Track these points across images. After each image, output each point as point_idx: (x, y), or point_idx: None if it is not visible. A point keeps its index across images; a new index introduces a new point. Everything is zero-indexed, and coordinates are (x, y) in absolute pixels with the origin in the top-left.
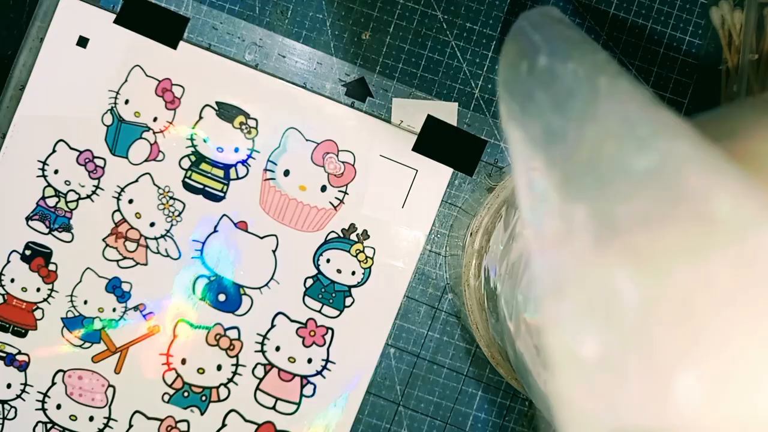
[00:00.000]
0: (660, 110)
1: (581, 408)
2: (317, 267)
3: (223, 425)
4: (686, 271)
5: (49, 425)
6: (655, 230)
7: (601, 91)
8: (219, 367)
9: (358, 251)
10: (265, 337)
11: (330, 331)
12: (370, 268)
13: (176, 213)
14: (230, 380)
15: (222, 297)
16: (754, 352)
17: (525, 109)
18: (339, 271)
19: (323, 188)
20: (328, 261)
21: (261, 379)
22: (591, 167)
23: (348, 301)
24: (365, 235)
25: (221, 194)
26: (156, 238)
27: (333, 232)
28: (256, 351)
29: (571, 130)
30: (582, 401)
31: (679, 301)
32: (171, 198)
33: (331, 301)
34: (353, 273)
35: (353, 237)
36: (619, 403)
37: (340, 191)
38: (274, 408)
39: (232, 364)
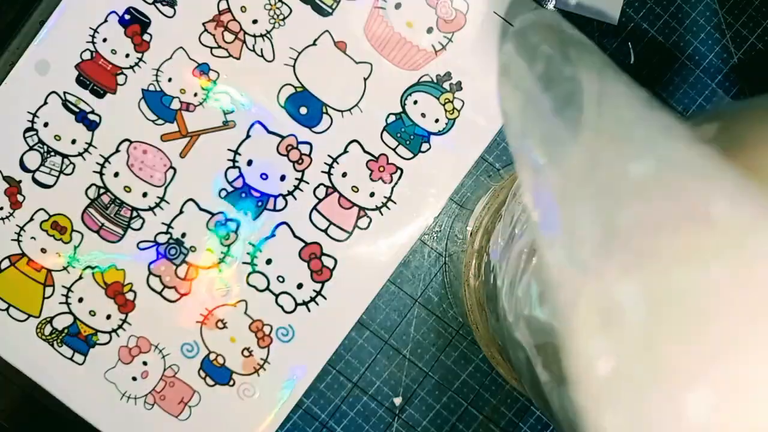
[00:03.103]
0: (658, 112)
1: (602, 423)
2: (403, 106)
3: (272, 235)
4: (687, 278)
5: (102, 190)
6: (654, 237)
7: (599, 93)
8: (283, 178)
9: (447, 101)
10: (335, 160)
11: (399, 171)
12: (454, 120)
13: (281, 17)
14: (290, 193)
15: (303, 110)
16: (759, 362)
17: (525, 111)
18: (423, 115)
19: (429, 30)
20: (415, 102)
21: (320, 200)
22: (590, 172)
23: (424, 147)
24: (458, 86)
25: (329, 10)
26: (255, 36)
27: (427, 75)
28: (322, 171)
29: (570, 133)
30: (602, 417)
31: (681, 311)
32: (280, 1)
33: (408, 142)
34: (437, 120)
35: (446, 86)
36: (635, 418)
37: (445, 37)
38: (325, 231)
39: (296, 178)
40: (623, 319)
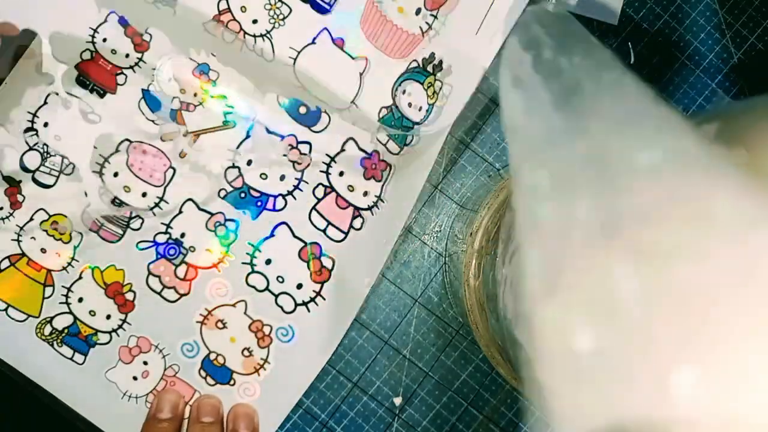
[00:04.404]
0: (664, 108)
1: (573, 401)
2: (393, 97)
3: (271, 235)
4: (686, 268)
5: (102, 190)
6: (656, 227)
7: (606, 87)
8: (282, 178)
9: (429, 84)
10: (332, 159)
11: (389, 168)
12: (433, 105)
13: (281, 17)
14: (290, 193)
15: (303, 109)
16: (751, 350)
17: (529, 102)
18: (410, 104)
19: (418, 11)
20: (404, 92)
21: (319, 200)
22: (593, 162)
23: (408, 139)
24: (440, 66)
25: (327, 7)
26: (255, 36)
27: (415, 61)
28: (321, 171)
29: (574, 124)
30: (574, 394)
31: (678, 298)
32: (280, 1)
33: (396, 136)
34: (420, 109)
35: (429, 68)
36: (614, 396)
37: (431, 15)
38: (324, 231)
39: (296, 178)
40: (620, 307)
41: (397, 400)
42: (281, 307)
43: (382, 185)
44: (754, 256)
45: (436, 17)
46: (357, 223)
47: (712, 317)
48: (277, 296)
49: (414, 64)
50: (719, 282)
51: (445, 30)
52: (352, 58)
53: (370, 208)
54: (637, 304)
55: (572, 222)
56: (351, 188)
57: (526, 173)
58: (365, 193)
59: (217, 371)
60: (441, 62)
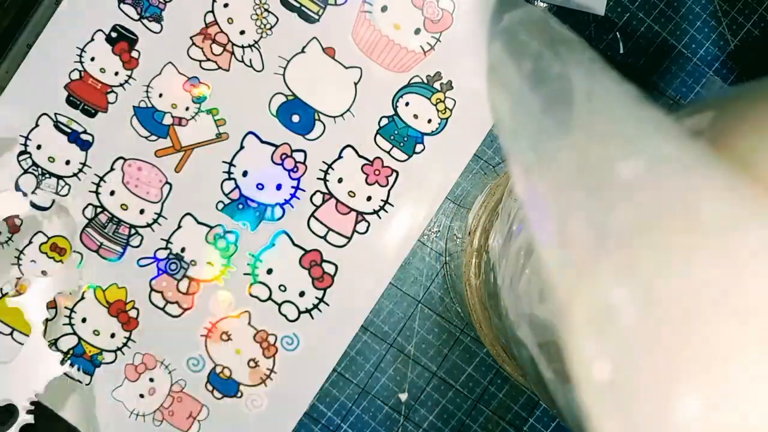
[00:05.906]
0: (647, 108)
1: (602, 428)
2: (395, 108)
3: (271, 245)
4: (676, 279)
5: (99, 209)
6: (645, 238)
7: (589, 91)
8: (279, 187)
9: (438, 100)
10: (330, 166)
11: (395, 174)
12: (447, 119)
13: (268, 26)
14: (287, 201)
15: (295, 118)
16: (750, 363)
17: (514, 110)
18: (416, 116)
19: (417, 31)
20: (406, 104)
21: (318, 207)
22: (580, 172)
23: (418, 148)
24: (449, 85)
25: (316, 17)
26: (243, 47)
27: (417, 76)
28: (318, 178)
29: (560, 132)
30: (602, 422)
31: (671, 312)
32: (266, 10)
33: (402, 144)
34: (429, 121)
35: (437, 86)
36: (629, 424)
37: (433, 37)
38: (324, 237)
39: (292, 186)
40: (617, 323)
41: (403, 396)
42: (285, 316)
43: (388, 190)
44: (743, 259)
45: (439, 40)
46: (361, 227)
47: (706, 329)
48: (280, 305)
49: (417, 79)
50: (710, 289)
51: (452, 52)
52: (345, 68)
53: (376, 212)
54: (635, 323)
55: (567, 238)
56: (352, 194)
57: (522, 180)
58: (369, 198)
59: (224, 384)
60: (450, 82)
